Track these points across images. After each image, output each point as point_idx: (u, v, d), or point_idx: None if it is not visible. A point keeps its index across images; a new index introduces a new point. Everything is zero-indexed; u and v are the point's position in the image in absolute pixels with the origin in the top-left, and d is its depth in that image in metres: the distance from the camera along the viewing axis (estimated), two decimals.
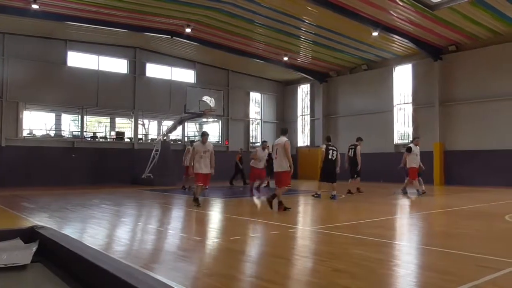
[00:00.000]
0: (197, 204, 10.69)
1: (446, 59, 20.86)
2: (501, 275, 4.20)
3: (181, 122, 21.77)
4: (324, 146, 13.35)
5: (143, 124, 23.98)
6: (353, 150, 15.02)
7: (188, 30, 19.95)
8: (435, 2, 16.22)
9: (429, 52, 20.76)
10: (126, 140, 23.08)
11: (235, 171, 20.28)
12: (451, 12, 16.82)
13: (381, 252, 5.52)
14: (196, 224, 8.66)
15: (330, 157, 12.93)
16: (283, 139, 10.06)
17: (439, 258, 5.22)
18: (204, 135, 11.58)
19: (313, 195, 13.10)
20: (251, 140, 28.49)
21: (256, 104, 29.33)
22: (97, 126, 23.65)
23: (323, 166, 13.04)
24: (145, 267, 4.49)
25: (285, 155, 9.78)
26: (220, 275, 4.45)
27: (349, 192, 14.41)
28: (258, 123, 29.21)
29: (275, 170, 10.21)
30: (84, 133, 21.87)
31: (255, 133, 29.09)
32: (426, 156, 20.83)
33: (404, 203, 12.37)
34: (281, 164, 9.88)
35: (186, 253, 5.60)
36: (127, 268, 1.26)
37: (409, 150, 14.29)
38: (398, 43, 20.99)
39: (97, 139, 22.28)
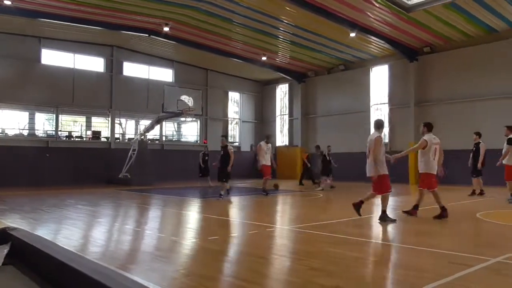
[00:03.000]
0: (392, 220, 8.16)
1: (421, 60, 21.29)
2: (472, 272, 4.32)
3: (158, 121, 21.61)
4: (232, 147, 13.46)
5: (120, 123, 23.67)
6: (476, 147, 13.80)
7: (166, 29, 19.78)
8: (410, 4, 16.53)
9: (405, 53, 21.15)
10: (103, 139, 22.72)
11: (303, 170, 19.79)
12: (426, 14, 17.17)
13: (358, 251, 5.60)
14: (174, 224, 8.61)
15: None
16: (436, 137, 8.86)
17: (414, 255, 5.33)
18: (381, 122, 8.78)
19: (218, 197, 12.71)
20: (230, 139, 28.45)
21: (235, 104, 29.31)
22: (73, 125, 23.21)
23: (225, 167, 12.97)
24: (121, 268, 4.44)
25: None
26: (198, 275, 4.43)
27: (480, 193, 13.32)
28: (236, 123, 29.20)
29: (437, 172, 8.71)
30: (59, 133, 21.44)
31: (234, 132, 29.08)
32: None
33: (378, 202, 12.55)
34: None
35: (163, 253, 5.56)
36: (102, 269, 1.25)
37: (510, 142, 11.18)
38: (374, 44, 21.29)
39: (72, 139, 21.87)
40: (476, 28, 18.38)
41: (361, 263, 4.92)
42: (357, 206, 8.48)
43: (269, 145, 14.43)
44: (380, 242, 6.57)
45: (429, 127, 8.80)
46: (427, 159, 8.54)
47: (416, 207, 8.69)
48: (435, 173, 8.57)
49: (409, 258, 5.25)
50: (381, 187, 8.21)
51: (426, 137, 8.62)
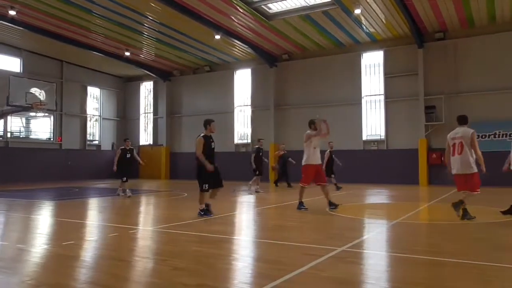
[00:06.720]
0: (472, 218, 7.68)
1: (280, 66, 22.81)
2: (322, 261, 4.78)
3: (2, 116, 19.17)
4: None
5: None
6: None
7: (12, 12, 17.59)
8: (271, 13, 17.58)
9: (265, 59, 22.40)
10: None
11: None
12: (285, 24, 18.46)
13: (220, 248, 5.74)
14: (21, 230, 7.71)
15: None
16: None
17: (272, 249, 5.67)
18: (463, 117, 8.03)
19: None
20: (89, 137, 26.66)
21: (95, 100, 27.56)
22: None
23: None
24: None
25: None
26: (49, 284, 4.05)
27: None
28: (96, 120, 27.49)
29: None
30: None
31: (94, 130, 27.32)
32: (264, 156, 22.43)
33: (242, 200, 13.07)
34: None
35: (6, 263, 4.95)
36: None
37: None
38: (238, 48, 22.09)
39: None
40: (327, 40, 20.39)
41: (223, 260, 5.05)
42: (460, 209, 7.71)
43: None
44: (241, 238, 6.84)
45: None
46: None
47: None
48: None
49: (267, 252, 5.57)
50: (478, 184, 7.71)
51: None
